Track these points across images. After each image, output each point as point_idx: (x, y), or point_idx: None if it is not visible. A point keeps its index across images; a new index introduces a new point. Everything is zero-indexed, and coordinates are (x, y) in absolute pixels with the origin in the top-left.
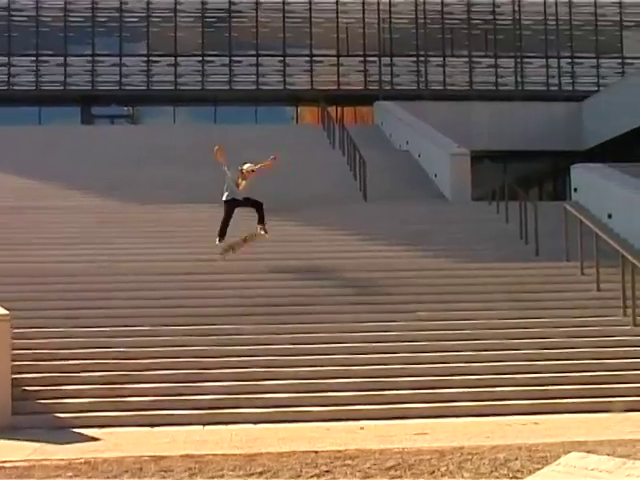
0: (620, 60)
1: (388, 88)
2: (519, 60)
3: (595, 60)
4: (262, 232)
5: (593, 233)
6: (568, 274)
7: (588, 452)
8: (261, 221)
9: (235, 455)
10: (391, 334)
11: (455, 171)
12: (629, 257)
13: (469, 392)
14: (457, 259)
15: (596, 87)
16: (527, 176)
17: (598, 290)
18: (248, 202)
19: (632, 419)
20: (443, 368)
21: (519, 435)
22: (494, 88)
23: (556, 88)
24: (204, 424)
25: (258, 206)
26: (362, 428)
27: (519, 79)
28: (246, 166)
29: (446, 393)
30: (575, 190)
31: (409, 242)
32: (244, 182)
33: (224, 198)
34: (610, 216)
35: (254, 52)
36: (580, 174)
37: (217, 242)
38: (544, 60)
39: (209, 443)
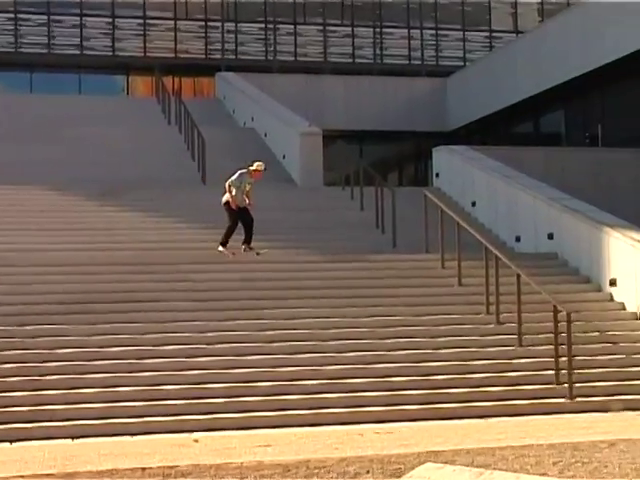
0: (488, 33)
1: (232, 58)
2: (378, 30)
3: (461, 33)
4: (248, 249)
5: (455, 223)
6: (428, 267)
7: (445, 463)
8: (248, 240)
9: (49, 476)
10: (227, 334)
11: (305, 152)
12: (493, 249)
13: (316, 399)
14: (306, 250)
15: (462, 62)
16: (386, 159)
17: (460, 285)
18: (245, 216)
19: (495, 426)
20: (289, 372)
21: (372, 445)
22: (351, 61)
23: (419, 62)
24: (11, 440)
25: (250, 222)
26: (196, 440)
27: (378, 51)
28: (255, 165)
29: (290, 400)
30: (437, 175)
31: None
32: (249, 186)
33: (225, 201)
34: (474, 204)
35: (78, 11)
36: (442, 157)
37: (219, 249)
38: (406, 31)
39: (19, 463)
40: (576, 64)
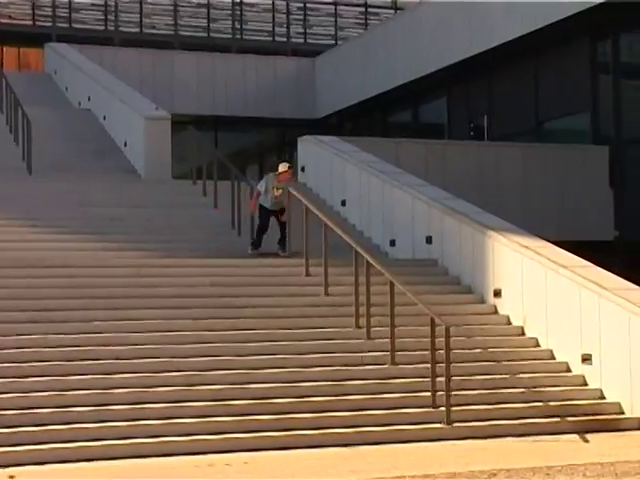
0: (363, 9)
1: (65, 26)
2: (238, 1)
3: (333, 7)
4: (284, 254)
5: (322, 223)
6: (290, 274)
7: None
8: (283, 242)
9: None
10: (48, 350)
11: (151, 140)
12: (364, 254)
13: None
14: (148, 253)
15: (333, 41)
16: (245, 150)
17: (326, 295)
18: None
19: (364, 455)
20: (127, 394)
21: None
22: (205, 35)
23: (284, 39)
24: None
25: (283, 224)
26: (12, 477)
27: (237, 26)
28: (280, 167)
29: (125, 427)
30: (302, 169)
31: (88, 231)
32: (280, 191)
33: (260, 202)
34: (344, 203)
35: None
36: (309, 149)
37: (250, 251)
38: (269, 3)
39: None
40: (460, 47)
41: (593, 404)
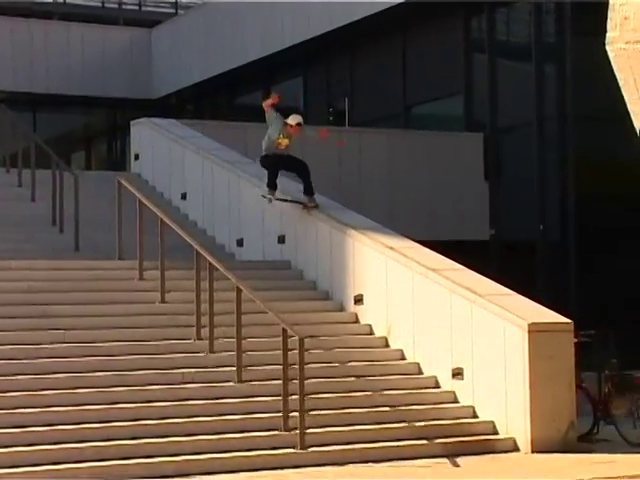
0: None
1: None
2: None
3: None
4: (312, 205)
5: (158, 219)
6: (121, 278)
7: None
8: (309, 191)
9: None
10: None
11: None
12: (206, 255)
13: None
14: None
15: (173, 9)
16: (69, 134)
17: (163, 302)
18: (293, 163)
19: None
20: None
21: None
22: None
23: (115, 6)
24: None
25: (303, 169)
26: None
27: None
28: (291, 118)
29: None
30: (136, 157)
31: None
32: (286, 140)
33: (264, 150)
34: (185, 196)
35: None
36: (143, 134)
37: (268, 195)
38: None
39: None
40: (320, 19)
41: (464, 424)
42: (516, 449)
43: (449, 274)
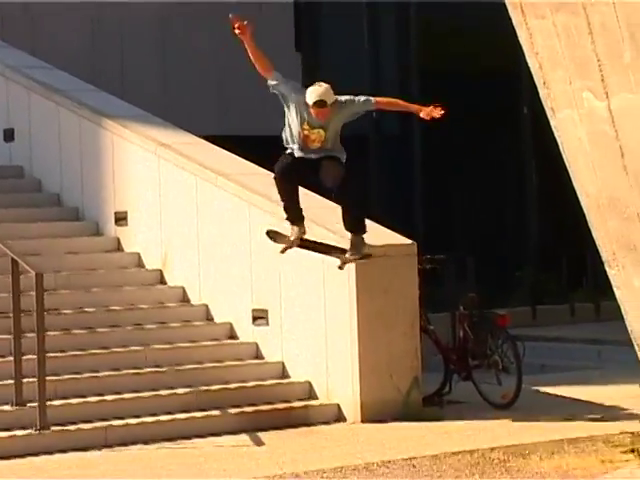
0: None
1: None
2: None
3: None
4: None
5: None
6: None
7: None
8: (356, 229)
9: None
10: None
11: None
12: None
13: None
14: None
15: None
16: None
17: None
18: (324, 173)
19: None
20: None
21: None
22: None
23: None
24: None
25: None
26: None
27: None
28: (308, 93)
29: None
30: None
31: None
32: (321, 133)
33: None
34: None
35: None
36: None
37: (294, 234)
38: None
39: None
40: None
41: (270, 386)
42: (341, 419)
43: (246, 181)
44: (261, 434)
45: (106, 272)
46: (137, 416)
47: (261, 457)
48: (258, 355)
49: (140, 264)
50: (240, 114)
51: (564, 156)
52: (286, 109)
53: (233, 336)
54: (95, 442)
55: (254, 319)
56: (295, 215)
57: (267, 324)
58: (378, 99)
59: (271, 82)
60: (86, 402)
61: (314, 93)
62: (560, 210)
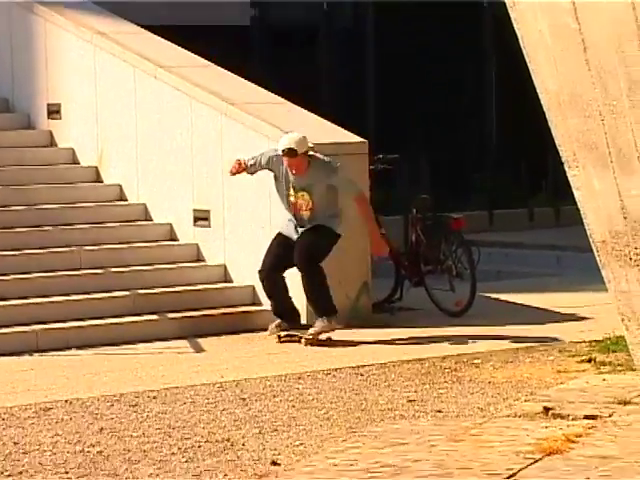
0: None
1: None
2: None
3: None
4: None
5: None
6: None
7: None
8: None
9: None
10: None
11: None
12: None
13: None
14: None
15: None
16: None
17: None
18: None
19: None
20: None
21: None
22: None
23: None
24: None
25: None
26: None
27: None
28: (281, 140)
29: None
30: None
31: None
32: (305, 196)
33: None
34: None
35: None
36: None
37: (272, 327)
38: None
39: None
40: None
41: (212, 290)
42: None
43: (189, 73)
44: (202, 340)
45: (38, 168)
46: (71, 320)
47: (201, 364)
48: (199, 258)
49: (74, 160)
50: (185, 2)
51: (524, 51)
52: (275, 182)
53: (173, 238)
54: (26, 347)
55: (195, 220)
56: (281, 309)
57: (209, 225)
58: (360, 199)
59: (251, 168)
60: (14, 305)
61: (284, 140)
62: (521, 110)
